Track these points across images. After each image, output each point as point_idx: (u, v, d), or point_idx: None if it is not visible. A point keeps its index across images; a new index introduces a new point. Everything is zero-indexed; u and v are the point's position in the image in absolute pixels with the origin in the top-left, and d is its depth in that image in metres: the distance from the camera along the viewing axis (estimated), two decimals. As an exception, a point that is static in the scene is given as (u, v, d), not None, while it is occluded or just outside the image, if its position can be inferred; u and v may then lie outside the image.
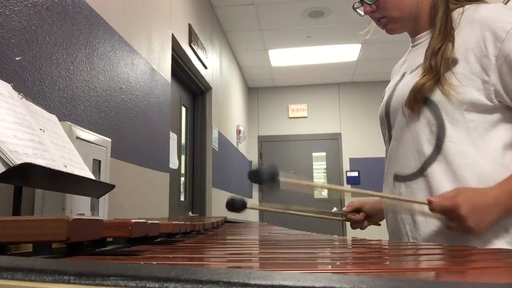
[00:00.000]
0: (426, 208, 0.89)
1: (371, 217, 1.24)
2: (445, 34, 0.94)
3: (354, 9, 1.10)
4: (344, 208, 1.27)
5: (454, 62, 0.91)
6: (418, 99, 0.93)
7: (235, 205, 1.04)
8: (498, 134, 0.90)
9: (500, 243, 0.87)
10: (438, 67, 0.91)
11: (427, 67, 0.93)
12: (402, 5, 1.00)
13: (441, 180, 0.92)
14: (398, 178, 1.01)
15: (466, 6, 0.96)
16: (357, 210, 1.24)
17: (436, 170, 0.93)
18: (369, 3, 1.03)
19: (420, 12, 1.01)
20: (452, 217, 0.85)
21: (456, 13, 0.96)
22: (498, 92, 0.88)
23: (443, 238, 0.92)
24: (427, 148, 0.94)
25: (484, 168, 0.89)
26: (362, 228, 1.24)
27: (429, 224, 0.94)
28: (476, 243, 0.86)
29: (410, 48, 1.11)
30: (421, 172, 0.95)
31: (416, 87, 0.93)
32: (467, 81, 0.89)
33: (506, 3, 2.82)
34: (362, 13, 1.08)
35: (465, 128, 0.90)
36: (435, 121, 0.92)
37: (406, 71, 1.06)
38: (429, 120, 0.93)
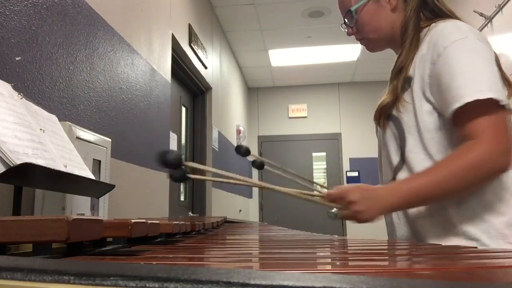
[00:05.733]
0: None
1: None
2: (408, 53, 1.00)
3: (342, 28, 1.16)
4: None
5: (410, 79, 0.98)
6: (382, 116, 1.04)
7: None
8: (449, 143, 0.94)
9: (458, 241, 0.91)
10: (398, 86, 0.99)
11: (392, 86, 1.02)
12: (378, 28, 1.08)
13: None
14: None
15: (433, 24, 1.00)
16: None
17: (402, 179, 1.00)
18: (350, 25, 1.11)
19: (395, 33, 1.07)
20: (344, 204, 0.91)
21: (424, 31, 1.01)
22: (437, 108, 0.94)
23: (413, 238, 0.99)
24: (395, 159, 1.02)
25: None
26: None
27: (401, 226, 1.01)
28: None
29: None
30: (393, 181, 1.03)
31: (380, 106, 1.04)
32: (419, 96, 0.95)
33: (501, 8, 2.81)
34: None
35: (422, 139, 0.96)
36: (398, 134, 1.01)
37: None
38: (394, 133, 1.02)
